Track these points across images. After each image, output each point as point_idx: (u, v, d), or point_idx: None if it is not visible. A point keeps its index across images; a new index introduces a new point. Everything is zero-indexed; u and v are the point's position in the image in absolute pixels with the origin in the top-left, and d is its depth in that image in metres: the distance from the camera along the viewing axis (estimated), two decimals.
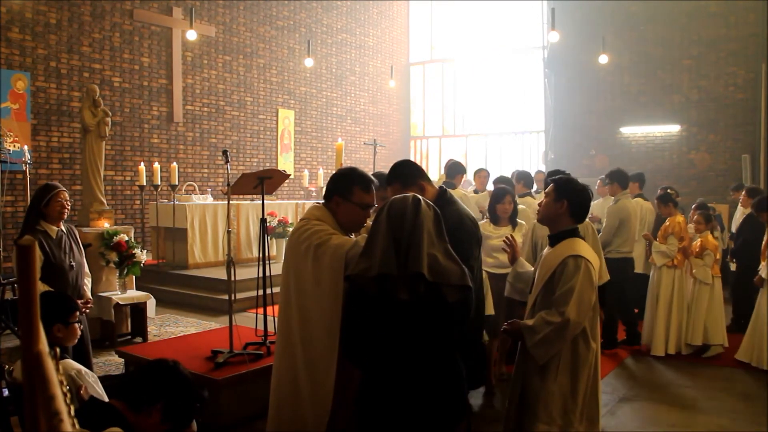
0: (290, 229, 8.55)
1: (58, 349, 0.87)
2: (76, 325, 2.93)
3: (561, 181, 2.86)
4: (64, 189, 4.06)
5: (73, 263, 4.03)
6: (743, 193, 7.44)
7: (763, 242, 5.80)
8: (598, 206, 7.61)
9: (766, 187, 10.51)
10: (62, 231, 4.05)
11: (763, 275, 5.65)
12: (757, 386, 5.14)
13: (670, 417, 4.50)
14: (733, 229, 7.97)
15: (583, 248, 2.69)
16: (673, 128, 12.90)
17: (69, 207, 4.09)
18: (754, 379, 5.35)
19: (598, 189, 8.42)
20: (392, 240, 2.12)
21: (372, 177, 2.80)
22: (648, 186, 7.59)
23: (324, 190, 2.82)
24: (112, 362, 5.40)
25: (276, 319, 3.29)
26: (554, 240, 2.82)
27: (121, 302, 6.10)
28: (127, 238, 6.19)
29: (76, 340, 3.00)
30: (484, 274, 4.11)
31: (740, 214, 7.74)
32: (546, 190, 2.90)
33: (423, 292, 2.09)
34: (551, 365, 2.64)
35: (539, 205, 2.94)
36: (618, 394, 4.88)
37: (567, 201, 2.76)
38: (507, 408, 2.85)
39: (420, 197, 2.25)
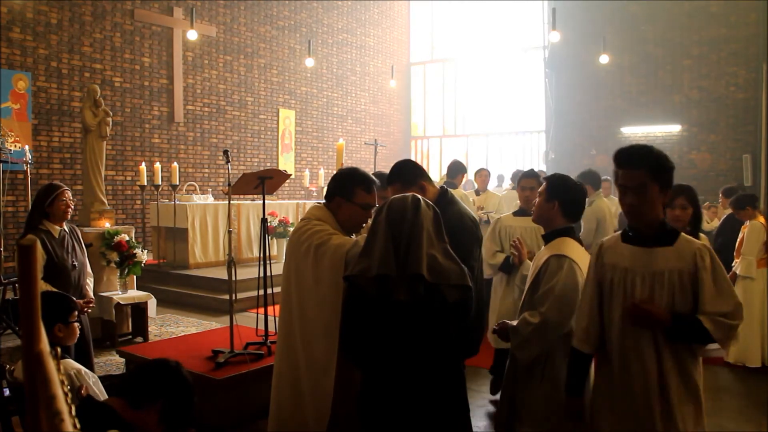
0: (291, 229, 8.56)
1: (59, 349, 0.88)
2: (76, 324, 2.94)
3: (552, 180, 2.82)
4: (67, 189, 4.07)
5: (76, 263, 4.04)
6: (721, 194, 7.52)
7: (738, 240, 5.86)
8: None
9: (766, 186, 10.51)
10: (65, 231, 4.07)
11: (738, 272, 5.73)
12: (757, 386, 5.14)
13: None
14: None
15: (570, 248, 2.65)
16: (674, 128, 12.89)
17: (72, 206, 4.10)
18: (753, 379, 5.35)
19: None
20: (391, 240, 2.11)
21: (373, 177, 2.80)
22: None
23: (325, 190, 2.81)
24: (113, 362, 5.40)
25: (277, 318, 3.29)
26: (547, 239, 2.80)
27: (121, 302, 6.11)
28: (127, 238, 6.20)
29: (76, 339, 3.00)
30: None
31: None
32: (539, 189, 2.86)
33: (422, 292, 2.08)
34: (537, 367, 2.60)
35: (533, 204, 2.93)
36: None
37: (558, 202, 2.73)
38: (498, 410, 2.83)
39: (419, 197, 2.24)
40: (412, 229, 2.12)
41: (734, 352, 5.67)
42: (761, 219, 5.83)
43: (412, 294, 2.08)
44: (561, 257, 2.59)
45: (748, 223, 5.81)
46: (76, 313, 2.99)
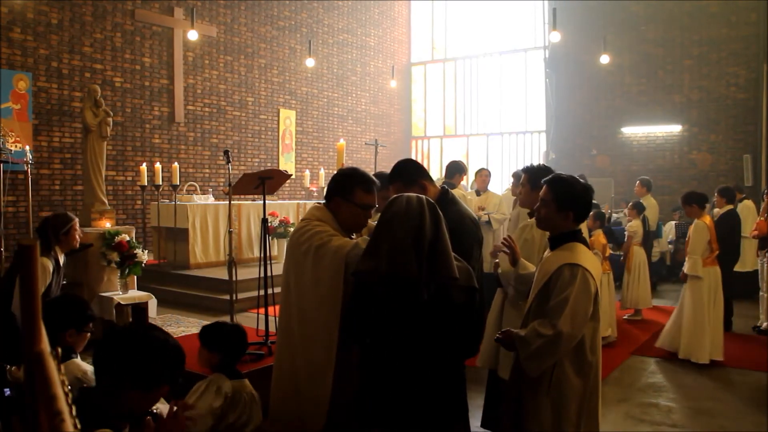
0: (291, 230, 8.55)
1: (59, 349, 0.88)
2: (87, 334, 2.95)
3: (558, 188, 2.66)
4: (77, 219, 4.34)
5: (57, 291, 4.20)
6: (716, 193, 7.58)
7: (686, 239, 5.95)
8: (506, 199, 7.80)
9: (766, 186, 10.51)
10: (64, 258, 4.30)
11: (686, 271, 5.85)
12: (757, 387, 5.14)
13: (671, 417, 4.50)
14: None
15: (583, 255, 2.56)
16: (675, 128, 12.89)
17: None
18: (753, 379, 5.35)
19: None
20: (413, 241, 2.08)
21: (373, 177, 2.79)
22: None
23: (325, 190, 2.81)
24: None
25: (277, 319, 3.29)
26: (554, 243, 2.69)
27: (122, 302, 6.10)
28: (128, 238, 6.20)
29: (83, 347, 3.00)
30: None
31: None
32: (543, 196, 2.69)
33: (433, 292, 2.07)
34: (544, 376, 2.52)
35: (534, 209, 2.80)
36: (617, 396, 4.88)
37: (573, 212, 2.63)
38: (503, 418, 2.77)
39: (425, 197, 2.24)
40: (435, 230, 2.11)
41: (683, 348, 5.75)
42: (707, 219, 5.88)
43: (428, 294, 2.07)
44: (575, 266, 2.49)
45: (695, 221, 5.88)
46: (91, 324, 3.00)
